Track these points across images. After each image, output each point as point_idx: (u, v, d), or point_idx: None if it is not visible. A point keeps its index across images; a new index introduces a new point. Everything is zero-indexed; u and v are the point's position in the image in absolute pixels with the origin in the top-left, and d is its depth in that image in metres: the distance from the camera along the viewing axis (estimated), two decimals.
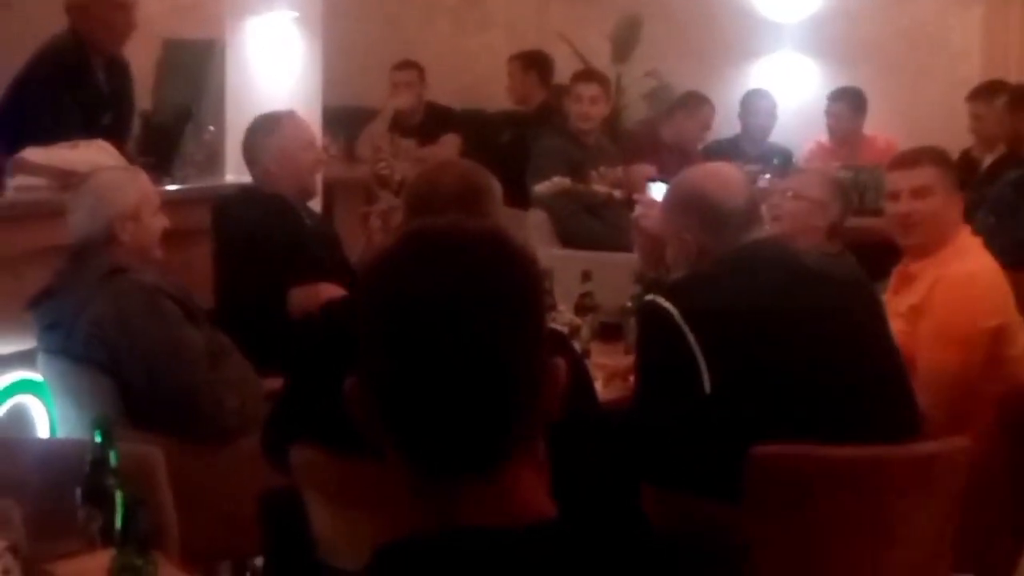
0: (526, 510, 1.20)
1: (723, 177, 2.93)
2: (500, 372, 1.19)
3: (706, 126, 6.62)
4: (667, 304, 2.71)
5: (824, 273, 2.88)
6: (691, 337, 2.67)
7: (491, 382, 1.19)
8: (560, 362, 1.24)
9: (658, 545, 1.25)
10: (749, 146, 6.75)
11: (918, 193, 3.50)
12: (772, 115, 6.87)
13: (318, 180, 4.44)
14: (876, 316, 2.90)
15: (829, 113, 6.67)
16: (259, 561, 3.36)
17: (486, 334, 1.19)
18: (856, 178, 5.81)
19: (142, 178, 3.60)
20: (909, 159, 3.63)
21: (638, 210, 3.51)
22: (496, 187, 2.74)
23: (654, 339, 2.79)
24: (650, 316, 2.77)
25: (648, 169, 6.28)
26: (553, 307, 3.73)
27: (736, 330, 2.70)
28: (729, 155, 6.34)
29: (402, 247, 1.24)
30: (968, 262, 3.44)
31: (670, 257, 2.98)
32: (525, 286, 1.23)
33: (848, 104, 6.63)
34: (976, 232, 3.63)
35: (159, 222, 3.48)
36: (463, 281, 1.19)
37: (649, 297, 2.82)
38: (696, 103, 6.61)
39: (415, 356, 1.18)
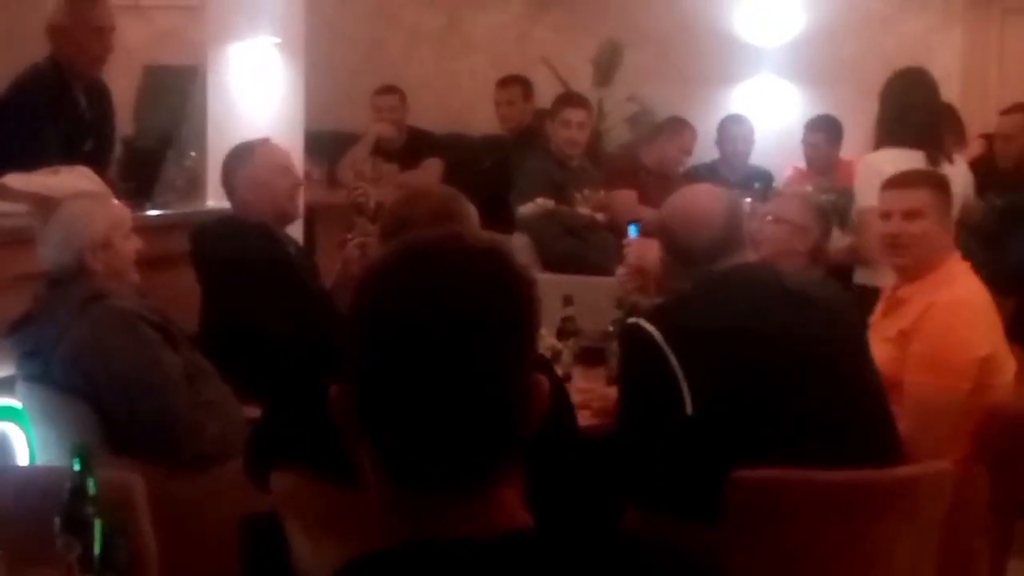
0: (505, 524, 1.20)
1: (692, 213, 2.93)
2: (495, 392, 1.19)
3: (687, 151, 6.63)
4: (649, 327, 2.73)
5: (806, 296, 2.89)
6: (673, 359, 2.68)
7: (485, 402, 1.19)
8: (543, 379, 1.24)
9: (632, 555, 1.25)
10: (728, 172, 6.77)
11: (909, 215, 3.50)
12: (749, 140, 6.89)
13: (299, 205, 4.44)
14: (857, 340, 2.91)
15: (806, 143, 6.69)
16: None
17: (484, 354, 1.18)
18: (836, 201, 5.83)
19: (111, 204, 3.58)
20: (905, 180, 3.62)
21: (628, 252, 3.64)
22: (471, 212, 2.76)
23: (636, 361, 2.81)
24: (633, 338, 2.79)
25: (630, 195, 6.30)
26: None
27: (717, 352, 2.71)
28: (709, 181, 6.36)
29: (400, 260, 1.23)
30: (959, 289, 3.43)
31: (656, 279, 2.99)
32: (523, 305, 1.23)
33: (825, 135, 6.66)
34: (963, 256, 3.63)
35: (132, 245, 3.47)
36: (461, 298, 1.19)
37: (632, 320, 2.84)
38: (677, 128, 6.62)
39: (409, 373, 1.18)
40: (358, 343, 1.21)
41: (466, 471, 1.20)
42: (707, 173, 6.70)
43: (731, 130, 6.89)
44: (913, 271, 3.52)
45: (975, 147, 6.16)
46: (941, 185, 3.61)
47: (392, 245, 1.25)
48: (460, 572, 1.17)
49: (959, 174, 4.75)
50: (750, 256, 2.94)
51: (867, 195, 4.30)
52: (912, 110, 4.77)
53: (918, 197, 3.52)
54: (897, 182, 3.62)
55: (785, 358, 2.76)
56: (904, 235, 3.50)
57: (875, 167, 4.48)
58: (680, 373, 2.68)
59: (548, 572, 1.19)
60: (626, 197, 6.37)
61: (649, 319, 2.76)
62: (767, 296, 2.82)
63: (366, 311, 1.21)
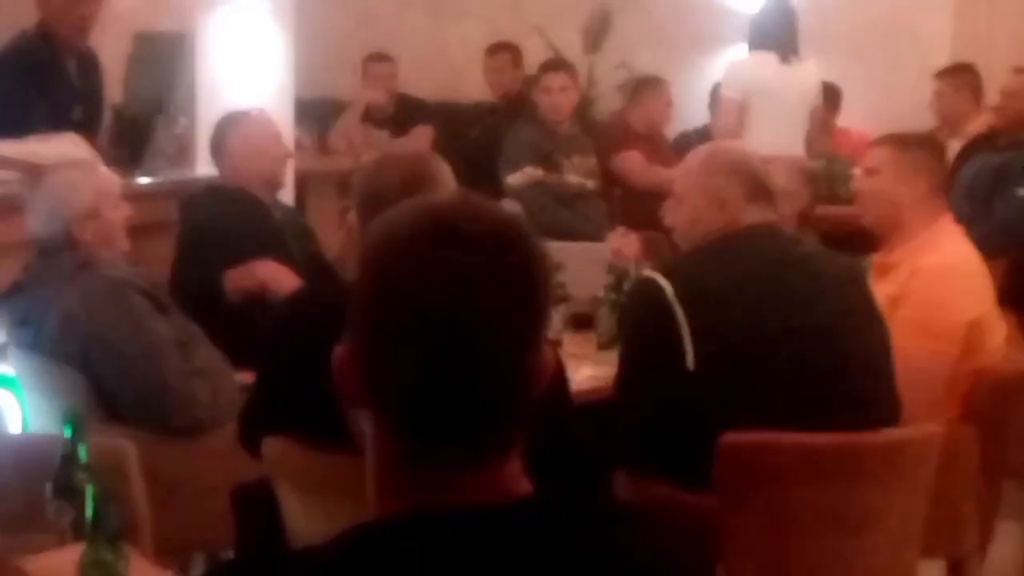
0: (508, 492, 1.21)
1: (758, 156, 3.09)
2: (511, 364, 1.20)
3: (671, 104, 6.68)
4: (662, 281, 2.77)
5: (818, 261, 2.92)
6: (680, 314, 2.72)
7: (501, 374, 1.19)
8: (549, 349, 1.25)
9: (630, 521, 1.26)
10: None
11: (868, 172, 3.55)
12: None
13: (287, 173, 4.43)
14: (866, 307, 2.92)
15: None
16: (232, 554, 3.35)
17: (502, 323, 1.18)
18: (827, 167, 5.84)
19: (99, 173, 3.56)
20: (873, 141, 3.68)
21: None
22: (444, 170, 2.75)
23: (643, 313, 2.85)
24: (642, 290, 2.84)
25: (637, 156, 6.31)
26: None
27: (724, 311, 2.74)
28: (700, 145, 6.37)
29: (413, 226, 1.22)
30: (945, 252, 3.43)
31: (689, 224, 3.00)
32: (537, 275, 1.23)
33: (825, 100, 6.67)
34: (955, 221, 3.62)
35: (121, 213, 3.45)
36: (479, 268, 1.18)
37: (647, 273, 2.87)
38: (654, 85, 6.70)
39: (427, 345, 1.17)
40: (374, 312, 1.21)
41: (476, 440, 1.20)
42: (698, 139, 6.70)
43: None
44: (890, 233, 3.52)
45: (988, 118, 6.15)
46: (904, 143, 3.57)
47: (405, 213, 1.24)
48: (466, 539, 1.17)
49: (807, 73, 5.87)
50: (771, 215, 2.95)
51: (726, 88, 5.86)
52: (764, 19, 5.90)
53: (876, 154, 3.55)
54: (871, 143, 3.69)
55: (791, 321, 2.78)
56: (862, 193, 3.56)
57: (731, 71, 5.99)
58: (686, 329, 2.71)
59: (551, 540, 1.19)
60: (634, 158, 6.39)
61: (663, 274, 2.80)
62: (778, 260, 2.86)
63: (384, 282, 1.20)
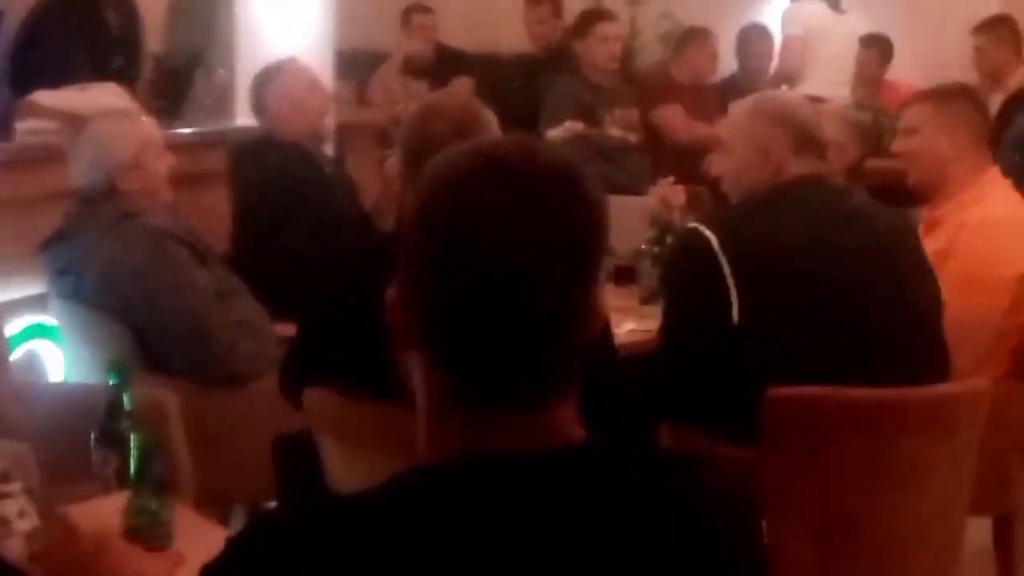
0: (561, 438, 1.21)
1: (810, 105, 3.07)
2: (565, 310, 1.19)
3: (716, 56, 6.65)
4: (708, 232, 2.74)
5: (868, 214, 2.89)
6: (726, 267, 2.69)
7: (556, 320, 1.19)
8: (602, 299, 1.24)
9: (683, 464, 1.27)
10: (750, 86, 6.68)
11: (906, 132, 3.52)
12: (771, 56, 6.81)
13: (329, 124, 4.41)
14: (916, 261, 2.88)
15: (857, 60, 6.67)
16: (274, 504, 3.36)
17: (557, 263, 1.18)
18: (875, 119, 5.77)
19: (141, 123, 3.56)
20: (907, 99, 3.69)
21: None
22: (492, 120, 2.74)
23: (688, 264, 2.83)
24: (688, 242, 2.81)
25: (677, 109, 6.27)
26: None
27: (771, 264, 2.71)
28: (743, 93, 6.32)
29: (469, 167, 1.21)
30: (992, 206, 3.38)
31: (736, 174, 2.97)
32: (596, 225, 1.22)
33: (877, 51, 6.68)
34: (1003, 174, 3.57)
35: (164, 163, 3.45)
36: (538, 207, 1.18)
37: (693, 224, 2.84)
38: (702, 37, 6.64)
39: (482, 283, 1.16)
40: (428, 252, 1.20)
41: (531, 381, 1.20)
42: (727, 87, 6.69)
43: (756, 45, 6.81)
44: (934, 189, 3.47)
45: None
46: (940, 97, 3.53)
47: (462, 156, 1.23)
48: (521, 483, 1.17)
49: (854, 23, 6.33)
50: (820, 167, 2.90)
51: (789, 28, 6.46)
52: None
53: (912, 112, 3.53)
54: (904, 102, 3.68)
55: (838, 275, 2.74)
56: (905, 152, 3.53)
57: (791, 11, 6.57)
58: (731, 282, 2.68)
59: (606, 485, 1.19)
60: (674, 112, 6.35)
61: (709, 225, 2.77)
62: (829, 212, 2.82)
63: (439, 222, 1.19)
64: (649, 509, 1.20)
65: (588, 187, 1.22)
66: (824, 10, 6.38)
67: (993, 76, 6.16)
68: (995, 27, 6.29)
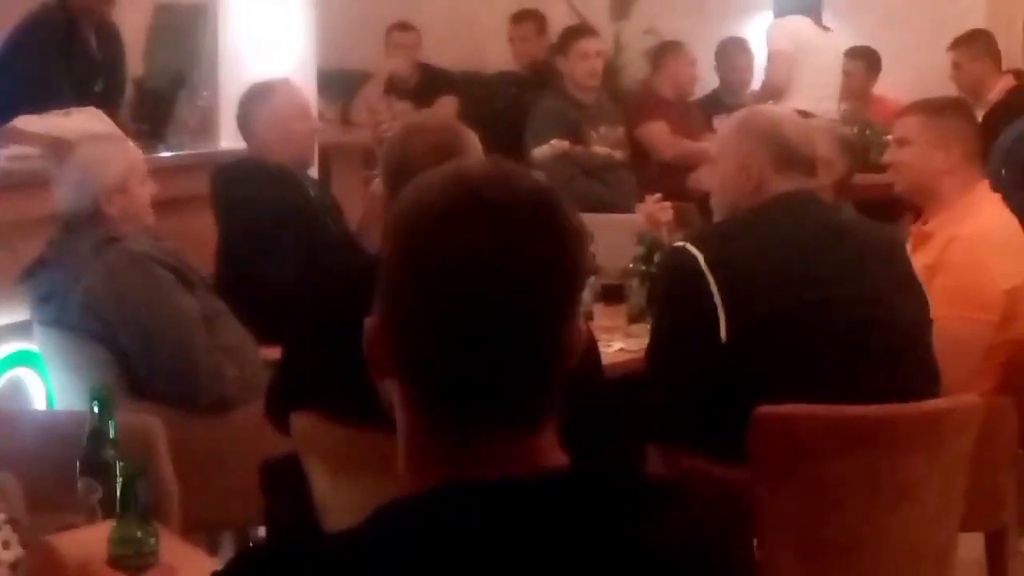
0: (546, 464, 1.20)
1: (799, 121, 3.03)
2: (548, 335, 1.19)
3: (695, 64, 6.71)
4: (695, 250, 2.73)
5: (856, 230, 2.89)
6: (713, 284, 2.69)
7: (539, 345, 1.18)
8: (582, 322, 1.24)
9: (667, 491, 1.25)
10: (731, 99, 6.70)
11: (899, 143, 3.52)
12: (750, 70, 6.84)
13: (314, 148, 4.39)
14: (905, 277, 2.87)
15: (844, 70, 6.68)
16: (261, 531, 3.33)
17: (536, 290, 1.18)
18: (862, 134, 5.78)
19: (128, 147, 3.55)
20: (901, 110, 3.66)
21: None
22: (472, 140, 2.73)
23: (676, 282, 2.83)
24: (676, 260, 2.82)
25: (662, 127, 6.31)
26: None
27: (758, 281, 2.71)
28: (726, 107, 6.38)
29: (445, 193, 1.20)
30: (982, 220, 3.38)
31: (720, 189, 2.98)
32: (570, 241, 1.21)
33: (864, 63, 6.69)
34: (992, 188, 3.56)
35: (148, 189, 3.43)
36: (516, 237, 1.17)
37: (679, 243, 2.84)
38: (676, 49, 6.71)
39: (465, 315, 1.16)
40: (405, 281, 1.19)
41: (510, 409, 1.19)
42: (710, 102, 6.73)
43: (735, 59, 6.84)
44: (926, 201, 3.48)
45: (1007, 81, 6.08)
46: (934, 110, 3.53)
47: (435, 181, 1.22)
48: (503, 513, 1.16)
49: (839, 39, 6.36)
50: (809, 183, 2.89)
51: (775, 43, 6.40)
52: None
53: (905, 124, 3.52)
54: (897, 112, 3.68)
55: (826, 292, 2.74)
56: (896, 163, 3.53)
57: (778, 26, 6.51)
58: (719, 300, 2.68)
59: (588, 513, 1.18)
60: (658, 130, 6.36)
61: (695, 243, 2.76)
62: (815, 229, 2.82)
63: (415, 250, 1.19)
64: (638, 535, 1.19)
65: (565, 212, 1.22)
66: (809, 25, 6.39)
67: (973, 91, 6.15)
68: (971, 42, 6.29)
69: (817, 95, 5.99)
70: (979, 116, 5.67)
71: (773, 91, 6.47)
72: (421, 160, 2.54)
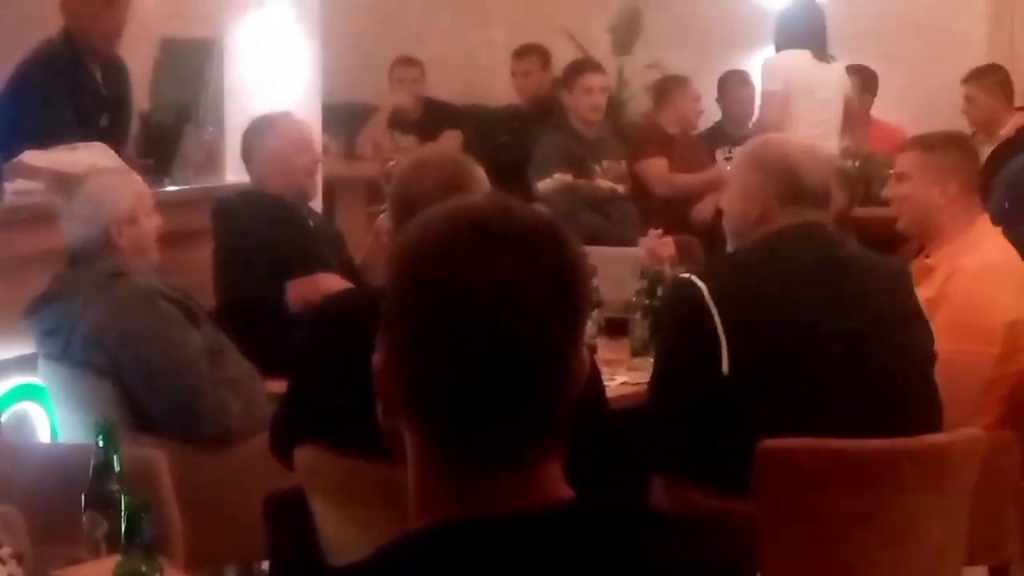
0: (552, 497, 1.21)
1: (812, 153, 2.99)
2: (552, 362, 1.20)
3: (700, 99, 6.70)
4: (699, 282, 2.74)
5: (861, 263, 2.88)
6: (717, 317, 2.69)
7: (546, 378, 1.19)
8: (586, 352, 1.25)
9: (670, 525, 1.26)
10: (735, 131, 6.72)
11: (899, 178, 3.55)
12: (752, 101, 6.84)
13: (317, 181, 4.41)
14: (908, 311, 2.87)
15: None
16: (265, 565, 3.33)
17: (542, 323, 1.18)
18: (864, 167, 5.78)
19: (135, 180, 3.57)
20: (900, 145, 3.69)
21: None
22: (480, 177, 2.74)
23: (679, 314, 2.83)
24: (680, 291, 2.82)
25: (661, 163, 6.30)
26: None
27: (761, 314, 2.71)
28: (730, 139, 6.40)
29: (450, 228, 1.21)
30: (984, 253, 3.39)
31: (727, 215, 2.99)
32: (575, 273, 1.22)
33: (859, 80, 6.62)
34: (994, 221, 3.58)
35: (154, 222, 3.45)
36: (521, 269, 1.18)
37: (685, 275, 2.85)
38: (681, 84, 6.68)
39: (473, 347, 1.17)
40: (411, 316, 1.20)
41: (525, 443, 1.20)
42: (714, 135, 6.77)
43: (737, 91, 6.85)
44: (926, 236, 3.51)
45: (1020, 117, 6.05)
46: (932, 145, 3.55)
47: (440, 216, 1.23)
48: (510, 548, 1.16)
49: (840, 73, 6.16)
50: (818, 215, 2.90)
51: (768, 82, 6.14)
52: (794, 19, 6.12)
53: (904, 159, 3.55)
54: (898, 148, 3.72)
55: (830, 325, 2.74)
56: (895, 198, 3.57)
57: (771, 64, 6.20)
58: (721, 332, 2.68)
59: (593, 547, 1.18)
60: (655, 167, 6.37)
61: (700, 275, 2.77)
62: (820, 262, 2.81)
63: (421, 284, 1.20)
64: (643, 569, 1.19)
65: (568, 244, 1.23)
66: (807, 59, 6.10)
67: (985, 126, 6.12)
68: (985, 76, 6.20)
69: (816, 132, 5.80)
70: (988, 151, 5.69)
71: (765, 131, 6.32)
72: (429, 194, 2.55)
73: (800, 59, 6.04)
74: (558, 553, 1.17)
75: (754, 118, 6.68)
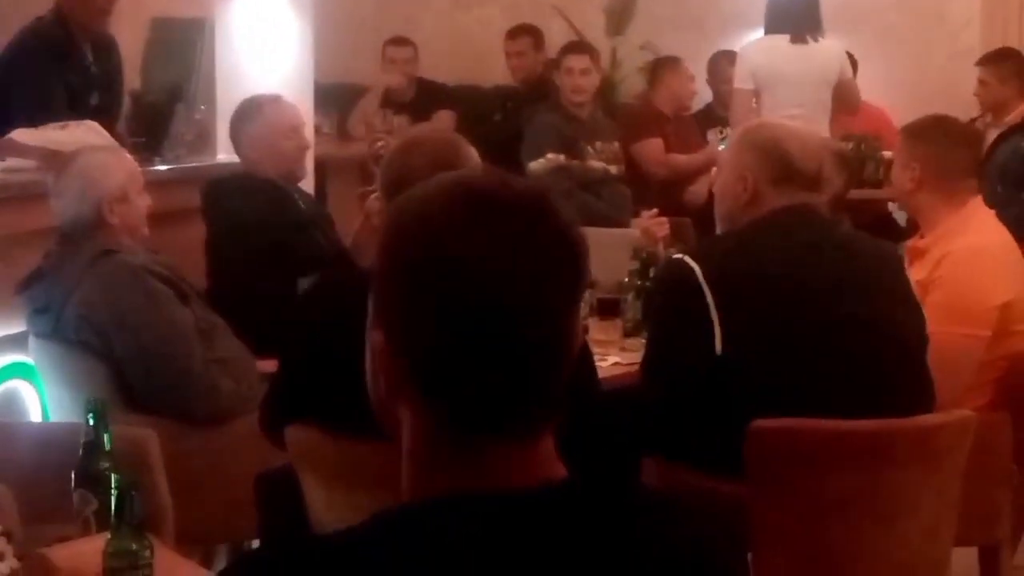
0: (545, 474, 1.20)
1: (803, 138, 2.99)
2: (554, 342, 1.19)
3: (693, 79, 6.67)
4: (692, 262, 2.74)
5: (853, 245, 2.89)
6: (709, 297, 2.69)
7: (546, 352, 1.19)
8: (579, 328, 1.25)
9: (663, 504, 1.26)
10: (723, 112, 6.70)
11: (892, 162, 3.62)
12: None
13: (307, 164, 4.40)
14: (900, 292, 2.88)
15: None
16: (256, 544, 3.33)
17: (541, 290, 1.18)
18: (857, 149, 5.75)
19: (126, 158, 3.56)
20: (898, 130, 3.71)
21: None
22: (470, 154, 2.74)
23: (672, 294, 2.84)
24: (672, 272, 2.83)
25: (657, 144, 6.28)
26: None
27: (754, 294, 2.72)
28: (720, 120, 6.38)
29: (447, 199, 1.20)
30: (976, 236, 3.39)
31: (719, 197, 3.00)
32: (572, 241, 1.22)
33: None
34: (988, 204, 3.58)
35: (144, 201, 3.44)
36: (517, 240, 1.18)
37: (677, 255, 2.85)
38: (673, 64, 6.65)
39: (472, 322, 1.16)
40: (409, 292, 1.19)
41: (524, 417, 1.20)
42: (705, 116, 6.75)
43: (728, 72, 6.82)
44: (922, 219, 3.51)
45: None
46: (914, 131, 3.56)
47: (434, 188, 1.22)
48: (502, 523, 1.16)
49: (826, 52, 5.70)
50: (809, 198, 2.90)
51: (737, 79, 5.78)
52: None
53: (897, 143, 3.57)
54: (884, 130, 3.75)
55: (821, 306, 2.75)
56: (891, 181, 3.66)
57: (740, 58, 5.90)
58: (715, 312, 2.68)
59: (587, 525, 1.19)
60: (651, 147, 6.36)
61: (693, 256, 2.77)
62: (813, 244, 2.82)
63: (421, 261, 1.19)
64: (635, 548, 1.19)
65: (563, 213, 1.22)
66: (782, 46, 5.66)
67: (995, 111, 6.07)
68: (1001, 62, 6.11)
69: (796, 123, 5.48)
70: (995, 134, 5.68)
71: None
72: (420, 174, 2.53)
73: (772, 47, 5.73)
74: (548, 531, 1.16)
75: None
